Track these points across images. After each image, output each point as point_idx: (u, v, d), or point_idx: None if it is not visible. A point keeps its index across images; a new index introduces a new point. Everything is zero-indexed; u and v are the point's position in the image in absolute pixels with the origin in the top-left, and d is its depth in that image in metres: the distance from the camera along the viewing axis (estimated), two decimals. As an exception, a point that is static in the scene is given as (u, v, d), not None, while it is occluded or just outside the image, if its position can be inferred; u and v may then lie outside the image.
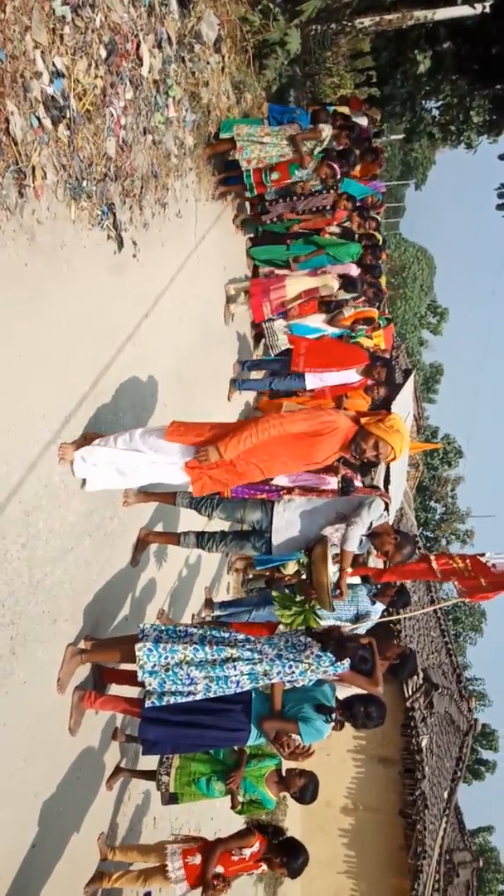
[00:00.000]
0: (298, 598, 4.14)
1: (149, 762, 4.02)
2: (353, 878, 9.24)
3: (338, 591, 3.79)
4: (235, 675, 3.17)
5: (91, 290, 3.90)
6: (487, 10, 10.99)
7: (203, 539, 4.57)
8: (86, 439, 3.57)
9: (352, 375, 6.59)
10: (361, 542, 4.35)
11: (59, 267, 3.55)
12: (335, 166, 6.90)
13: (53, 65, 3.39)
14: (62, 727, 3.37)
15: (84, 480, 3.53)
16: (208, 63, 6.52)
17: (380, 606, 4.78)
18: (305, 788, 3.67)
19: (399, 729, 8.48)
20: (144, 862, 3.70)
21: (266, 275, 7.37)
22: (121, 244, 4.37)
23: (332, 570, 3.79)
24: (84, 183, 3.83)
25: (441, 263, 51.21)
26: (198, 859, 3.47)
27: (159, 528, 4.69)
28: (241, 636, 3.34)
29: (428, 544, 39.24)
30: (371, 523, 4.20)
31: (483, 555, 4.38)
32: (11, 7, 2.90)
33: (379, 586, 4.84)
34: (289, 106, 9.36)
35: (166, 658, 3.17)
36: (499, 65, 10.88)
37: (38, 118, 3.29)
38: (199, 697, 3.17)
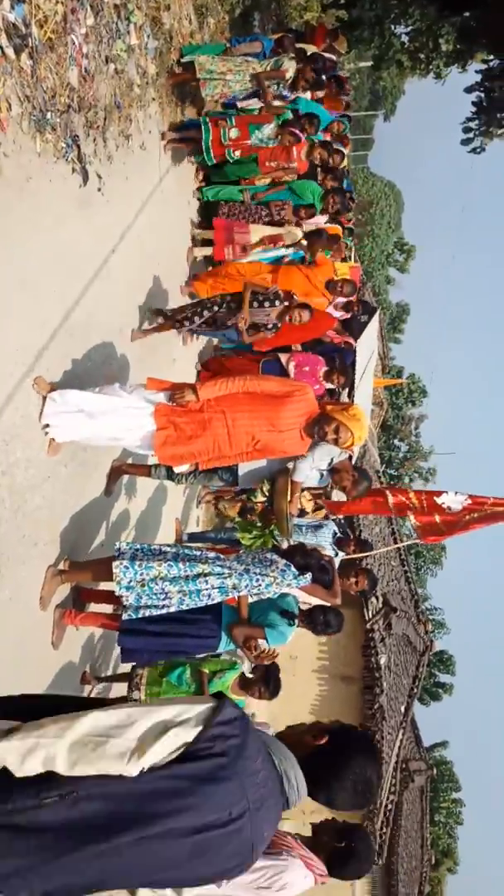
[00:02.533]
0: (258, 524, 4.44)
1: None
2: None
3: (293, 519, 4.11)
4: (207, 589, 3.44)
5: (58, 225, 3.93)
6: None
7: (173, 472, 4.78)
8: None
9: (332, 311, 6.80)
10: (322, 476, 4.61)
11: (25, 200, 3.58)
12: (297, 132, 6.73)
13: (13, -11, 3.33)
14: (45, 643, 3.62)
15: (46, 426, 3.52)
16: (169, -16, 6.32)
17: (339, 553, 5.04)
18: (267, 680, 3.97)
19: (360, 650, 9.05)
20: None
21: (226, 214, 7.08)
22: (86, 177, 4.37)
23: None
24: (48, 115, 3.82)
25: (409, 199, 50.55)
26: None
27: (131, 459, 4.87)
28: (211, 554, 3.60)
29: (392, 482, 40.23)
30: (332, 459, 4.45)
31: (440, 494, 4.61)
32: None
33: (341, 534, 5.11)
34: (253, 34, 9.07)
35: (142, 574, 3.42)
36: (467, -8, 10.66)
37: (1, 47, 3.27)
38: (172, 610, 3.44)
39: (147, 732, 1.53)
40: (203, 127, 6.37)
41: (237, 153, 6.58)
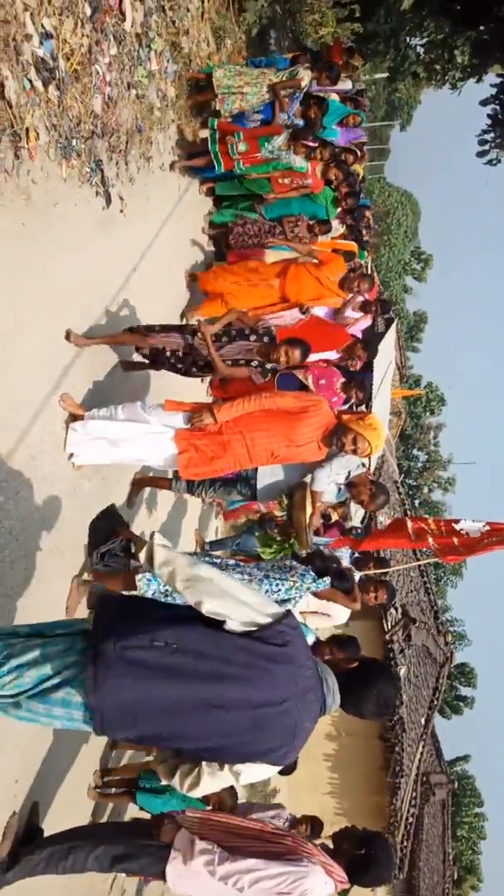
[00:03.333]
0: (279, 538, 4.51)
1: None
2: (337, 798, 9.98)
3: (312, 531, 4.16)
4: None
5: (82, 246, 4.08)
6: None
7: (193, 485, 4.87)
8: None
9: (331, 356, 6.10)
10: (340, 490, 4.65)
11: (52, 224, 3.73)
12: (310, 144, 6.47)
13: (42, 26, 3.49)
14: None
15: (71, 455, 3.68)
16: (188, 10, 6.49)
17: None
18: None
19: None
20: None
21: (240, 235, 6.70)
22: (109, 200, 4.52)
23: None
24: (74, 141, 3.97)
25: (426, 208, 50.57)
26: None
27: (152, 473, 4.99)
28: (231, 561, 3.69)
29: (410, 492, 40.04)
30: (349, 473, 4.51)
31: (458, 521, 4.59)
32: (3, -27, 3.00)
33: (357, 555, 4.99)
34: (269, 56, 9.22)
35: (165, 586, 3.51)
36: (480, 8, 10.73)
37: (30, 80, 3.43)
38: None
39: (233, 602, 2.01)
40: (210, 137, 6.21)
41: (247, 166, 6.40)
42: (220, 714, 1.97)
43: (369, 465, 5.87)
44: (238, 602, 2.02)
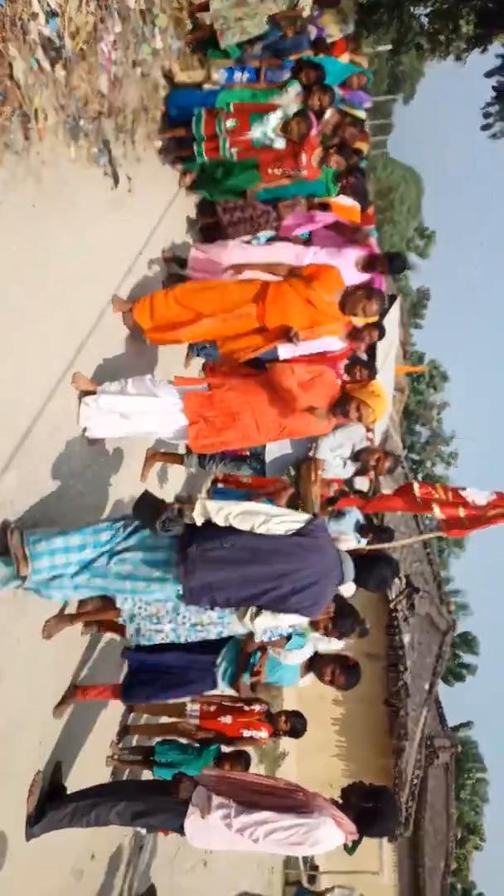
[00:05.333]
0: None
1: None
2: (344, 761, 10.30)
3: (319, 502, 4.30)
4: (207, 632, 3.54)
5: (91, 227, 4.15)
6: None
7: (204, 459, 5.00)
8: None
9: (334, 342, 4.94)
10: (345, 464, 4.76)
11: (63, 205, 3.81)
12: (310, 118, 5.28)
13: (48, 4, 3.55)
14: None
15: (85, 429, 3.77)
16: (191, -15, 6.48)
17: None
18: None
19: (384, 629, 9.28)
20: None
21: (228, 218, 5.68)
22: (117, 180, 4.60)
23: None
24: (81, 122, 4.05)
25: (429, 183, 50.04)
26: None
27: (164, 449, 5.12)
28: (215, 616, 3.45)
29: (414, 466, 40.22)
30: (353, 446, 4.61)
31: (464, 489, 4.63)
32: (12, -44, 3.07)
33: (362, 524, 4.94)
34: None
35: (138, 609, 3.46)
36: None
37: (38, 60, 3.50)
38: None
39: (275, 519, 2.98)
40: (195, 117, 5.29)
41: (234, 150, 5.29)
42: (271, 583, 2.94)
43: (374, 437, 5.96)
44: (278, 520, 2.97)
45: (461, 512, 4.53)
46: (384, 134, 42.78)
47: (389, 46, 20.06)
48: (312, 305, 4.20)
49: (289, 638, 3.59)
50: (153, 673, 3.78)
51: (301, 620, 3.18)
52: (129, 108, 4.77)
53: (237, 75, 5.77)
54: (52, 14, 3.70)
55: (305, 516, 3.08)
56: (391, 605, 8.78)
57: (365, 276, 5.12)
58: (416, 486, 4.67)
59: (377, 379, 4.39)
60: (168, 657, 3.74)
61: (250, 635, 3.43)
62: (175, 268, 5.38)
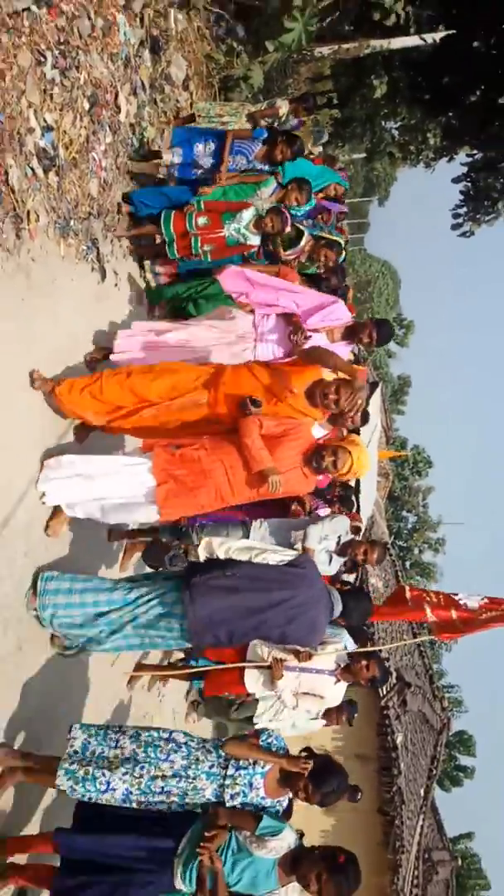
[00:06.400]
0: None
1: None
2: (336, 878, 9.51)
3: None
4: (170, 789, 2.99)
5: (77, 317, 4.23)
6: (437, 41, 11.70)
7: (179, 531, 4.76)
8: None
9: (317, 429, 4.34)
10: (332, 558, 4.60)
11: (51, 299, 3.89)
12: (283, 212, 4.91)
13: (44, 120, 3.76)
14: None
15: (44, 494, 3.47)
16: (178, 101, 6.95)
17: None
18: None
19: (375, 728, 8.84)
20: None
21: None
22: (104, 275, 4.73)
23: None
24: (71, 222, 4.20)
25: (406, 276, 52.52)
26: None
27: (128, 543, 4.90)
28: (179, 764, 3.02)
29: (401, 553, 39.88)
30: (339, 538, 4.48)
31: (456, 594, 4.54)
32: (10, 76, 3.26)
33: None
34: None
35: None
36: (447, 95, 11.53)
37: (32, 168, 3.66)
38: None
39: (269, 552, 3.39)
40: (164, 217, 4.93)
41: (207, 248, 4.96)
42: (269, 612, 3.20)
43: (361, 524, 5.85)
44: (272, 553, 3.36)
45: (454, 614, 4.42)
46: (361, 232, 45.29)
47: (364, 154, 21.60)
48: (274, 396, 3.76)
49: (260, 818, 2.91)
50: (92, 872, 2.85)
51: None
52: (117, 209, 4.97)
53: (198, 147, 5.22)
54: (48, 128, 3.91)
55: (296, 553, 3.48)
56: (382, 703, 8.40)
57: (346, 347, 4.76)
58: (406, 588, 4.59)
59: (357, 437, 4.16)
60: (116, 845, 2.87)
61: (218, 805, 2.96)
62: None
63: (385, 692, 8.41)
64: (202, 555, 3.32)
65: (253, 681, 4.10)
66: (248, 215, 4.92)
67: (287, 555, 3.41)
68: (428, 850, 10.11)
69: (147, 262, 5.44)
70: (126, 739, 3.03)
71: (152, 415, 3.74)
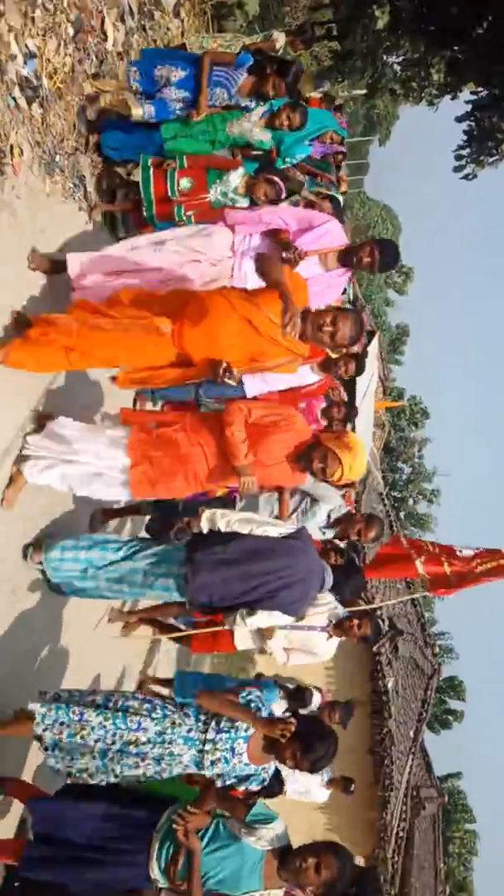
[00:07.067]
0: None
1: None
2: (328, 814, 9.88)
3: None
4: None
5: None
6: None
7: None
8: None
9: (306, 374, 4.45)
10: (323, 534, 4.41)
11: (37, 239, 3.71)
12: (276, 180, 4.35)
13: (26, 46, 3.52)
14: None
15: (25, 458, 3.26)
16: (168, 29, 6.56)
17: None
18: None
19: (367, 673, 9.03)
20: None
21: None
22: (91, 215, 4.52)
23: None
24: (57, 157, 3.98)
25: (406, 221, 51.31)
26: None
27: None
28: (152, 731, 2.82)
29: (395, 504, 40.21)
30: (329, 515, 4.35)
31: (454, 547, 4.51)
32: (-14, -7, 3.02)
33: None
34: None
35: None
36: (454, 28, 10.96)
37: (14, 99, 3.45)
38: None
39: (269, 524, 3.35)
40: (143, 174, 4.33)
41: (191, 213, 4.36)
42: (266, 577, 3.18)
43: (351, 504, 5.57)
44: (272, 526, 3.30)
45: (446, 568, 4.38)
46: (361, 174, 43.95)
47: (364, 91, 20.72)
48: (254, 327, 3.18)
49: (250, 806, 2.80)
50: (63, 846, 2.75)
51: (287, 619, 3.44)
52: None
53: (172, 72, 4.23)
54: (30, 55, 3.67)
55: (294, 527, 3.47)
56: (374, 649, 8.55)
57: (344, 276, 4.09)
58: (402, 539, 4.59)
59: (355, 433, 3.73)
60: (90, 814, 2.78)
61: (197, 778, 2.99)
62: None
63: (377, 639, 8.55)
64: (205, 527, 3.29)
65: (243, 639, 4.12)
66: (235, 179, 4.34)
67: (287, 528, 3.38)
68: (416, 787, 10.49)
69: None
70: (91, 713, 2.79)
71: (100, 350, 3.18)
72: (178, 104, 4.27)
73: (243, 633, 3.94)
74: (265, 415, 3.24)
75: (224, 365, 3.13)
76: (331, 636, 4.20)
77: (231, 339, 3.19)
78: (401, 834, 9.10)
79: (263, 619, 3.34)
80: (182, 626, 4.70)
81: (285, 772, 3.09)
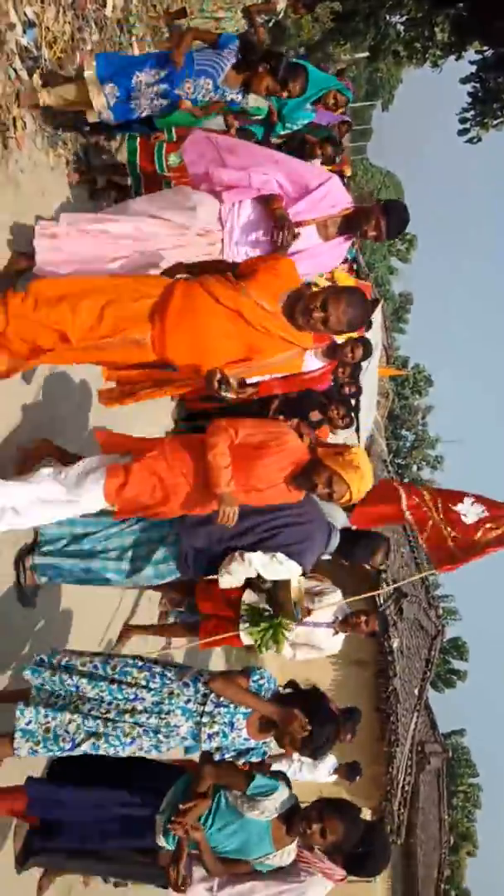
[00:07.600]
0: (267, 612, 3.73)
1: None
2: (335, 769, 10.24)
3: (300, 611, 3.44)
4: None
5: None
6: None
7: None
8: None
9: (310, 360, 4.21)
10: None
11: (42, 213, 3.78)
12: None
13: (25, 14, 3.53)
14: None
15: None
16: (169, -6, 6.49)
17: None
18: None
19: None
20: None
21: None
22: (94, 186, 4.56)
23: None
24: (59, 130, 4.02)
25: (409, 188, 50.56)
26: None
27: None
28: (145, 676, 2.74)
29: (399, 471, 40.38)
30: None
31: (456, 501, 3.96)
32: (-14, -36, 3.05)
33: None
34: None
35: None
36: (459, -15, 10.75)
37: (15, 70, 3.48)
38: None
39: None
40: (128, 144, 4.12)
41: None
42: (270, 514, 3.06)
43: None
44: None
45: (449, 542, 3.89)
46: (363, 139, 43.20)
47: (366, 54, 20.28)
48: (244, 319, 2.73)
49: (252, 776, 2.77)
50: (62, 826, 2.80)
51: (288, 569, 3.16)
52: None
53: (138, 77, 3.70)
54: (29, 24, 3.69)
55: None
56: (379, 610, 8.76)
57: (344, 245, 3.73)
58: (403, 497, 3.96)
59: (359, 448, 3.13)
60: (92, 796, 2.78)
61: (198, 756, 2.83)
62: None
63: (382, 601, 8.76)
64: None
65: (248, 635, 3.81)
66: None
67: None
68: (421, 743, 10.82)
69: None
70: (84, 681, 2.67)
71: (74, 356, 2.81)
72: (161, 100, 3.80)
73: (238, 576, 3.22)
74: (253, 433, 2.89)
75: (219, 376, 2.66)
76: (337, 631, 4.27)
77: (219, 340, 2.75)
78: (406, 788, 9.42)
79: (264, 560, 3.06)
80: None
81: (289, 770, 3.16)
